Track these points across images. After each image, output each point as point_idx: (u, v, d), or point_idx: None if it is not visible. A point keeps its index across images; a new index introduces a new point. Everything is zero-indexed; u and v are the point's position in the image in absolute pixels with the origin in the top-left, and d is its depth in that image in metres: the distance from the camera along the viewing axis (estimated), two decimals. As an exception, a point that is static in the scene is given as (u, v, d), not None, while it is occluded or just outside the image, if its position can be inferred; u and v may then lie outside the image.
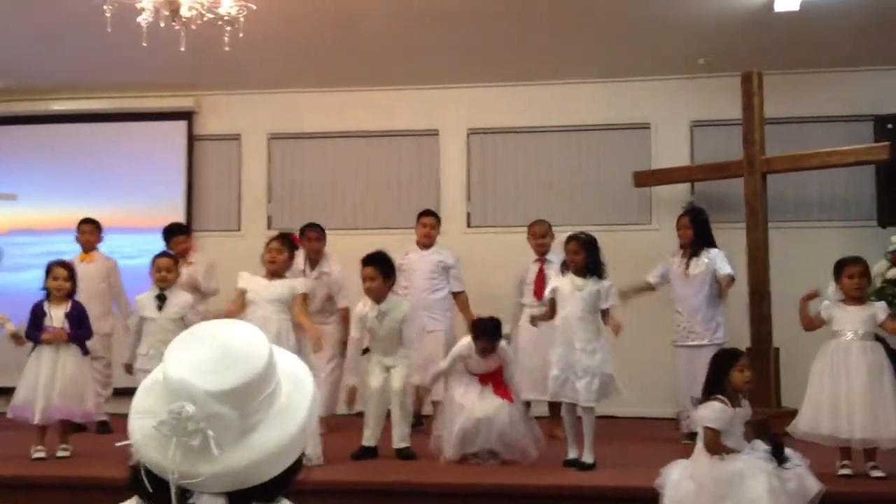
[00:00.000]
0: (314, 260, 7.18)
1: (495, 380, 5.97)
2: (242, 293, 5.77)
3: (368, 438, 5.97)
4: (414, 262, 7.12)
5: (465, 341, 5.99)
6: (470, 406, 5.79)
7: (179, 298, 6.06)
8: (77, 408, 6.00)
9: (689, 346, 6.61)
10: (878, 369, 5.17)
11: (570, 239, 5.74)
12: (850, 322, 5.27)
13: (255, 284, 5.80)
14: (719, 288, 6.63)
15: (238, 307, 5.67)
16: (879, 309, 5.30)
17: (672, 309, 6.86)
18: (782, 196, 7.69)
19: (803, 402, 5.36)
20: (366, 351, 6.15)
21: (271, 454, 1.35)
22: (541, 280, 6.79)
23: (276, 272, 5.82)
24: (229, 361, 1.34)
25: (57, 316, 6.05)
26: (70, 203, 8.46)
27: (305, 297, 5.92)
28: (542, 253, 6.95)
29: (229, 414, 1.31)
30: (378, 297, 5.97)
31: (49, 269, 6.18)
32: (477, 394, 5.88)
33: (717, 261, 6.62)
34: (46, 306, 6.08)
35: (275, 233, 6.45)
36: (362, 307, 6.02)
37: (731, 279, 6.58)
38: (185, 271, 6.90)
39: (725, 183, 7.64)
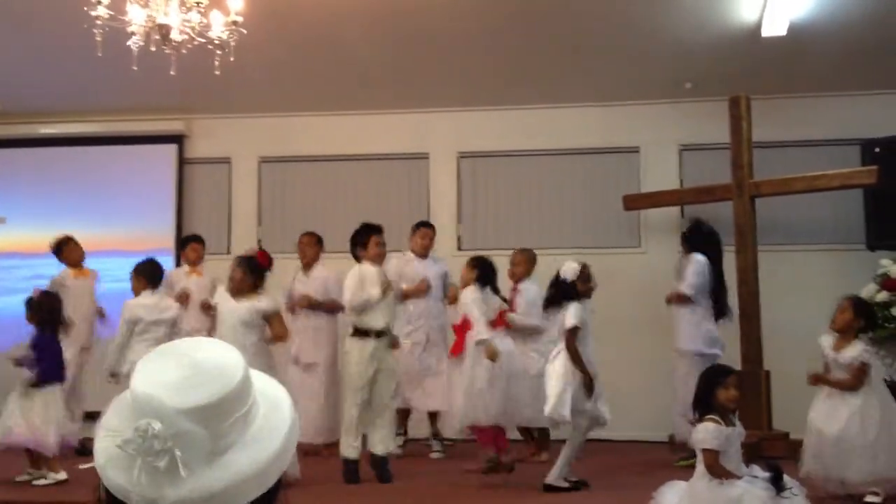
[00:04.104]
0: (308, 264, 7.28)
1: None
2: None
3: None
4: (418, 270, 7.28)
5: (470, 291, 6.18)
6: None
7: (168, 302, 6.25)
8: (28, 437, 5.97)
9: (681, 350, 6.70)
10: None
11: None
12: None
13: (225, 304, 5.86)
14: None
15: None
16: None
17: (659, 332, 6.87)
18: (771, 219, 7.72)
19: None
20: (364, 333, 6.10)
21: (244, 478, 1.25)
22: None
23: (235, 291, 5.85)
24: (200, 378, 1.25)
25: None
26: (59, 226, 8.39)
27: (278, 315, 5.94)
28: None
29: (199, 433, 1.22)
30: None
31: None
32: None
33: (688, 268, 6.77)
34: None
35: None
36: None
37: (681, 296, 6.74)
38: (195, 280, 7.20)
39: (714, 206, 7.67)
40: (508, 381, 5.97)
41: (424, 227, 7.49)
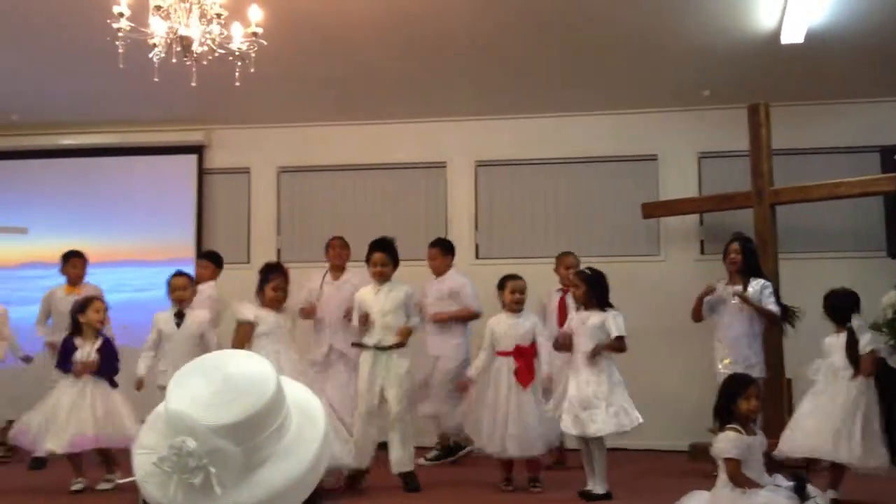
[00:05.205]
0: (338, 267, 7.29)
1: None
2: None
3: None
4: (426, 290, 7.29)
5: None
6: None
7: (197, 317, 6.17)
8: (118, 437, 5.99)
9: (723, 372, 6.48)
10: None
11: (576, 273, 5.95)
12: None
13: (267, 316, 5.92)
14: (765, 322, 6.53)
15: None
16: None
17: (682, 340, 6.83)
18: (791, 227, 7.69)
19: None
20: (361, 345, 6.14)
21: (279, 492, 1.26)
22: (562, 308, 6.94)
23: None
24: (232, 394, 1.26)
25: (87, 351, 6.11)
26: (80, 237, 8.49)
27: (245, 326, 5.94)
28: (568, 285, 6.89)
29: (232, 450, 1.23)
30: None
31: (88, 304, 6.23)
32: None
33: (765, 296, 6.45)
34: (78, 341, 6.14)
35: (284, 265, 6.47)
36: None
37: (775, 318, 6.47)
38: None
39: (733, 214, 7.64)
40: None
41: (429, 248, 7.56)
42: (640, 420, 5.70)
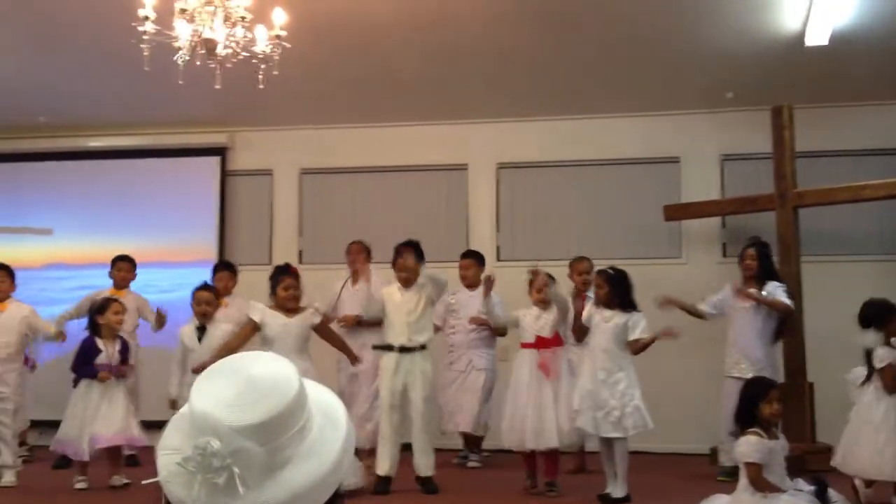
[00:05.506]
0: (357, 272, 7.23)
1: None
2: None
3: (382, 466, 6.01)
4: (462, 301, 7.26)
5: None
6: None
7: (220, 331, 6.15)
8: (124, 436, 6.07)
9: (736, 377, 6.42)
10: None
11: (598, 273, 5.93)
12: None
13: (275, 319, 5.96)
14: (778, 323, 6.59)
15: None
16: None
17: (703, 341, 6.81)
18: (815, 230, 7.64)
19: None
20: (385, 347, 6.15)
21: (301, 493, 1.27)
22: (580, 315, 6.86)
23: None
24: (256, 395, 1.27)
25: (111, 352, 6.17)
26: (104, 238, 8.59)
27: (247, 327, 5.99)
28: (583, 290, 6.90)
29: (255, 450, 1.24)
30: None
31: (107, 306, 6.29)
32: None
33: (777, 293, 6.53)
34: (100, 343, 6.19)
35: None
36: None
37: (788, 308, 6.53)
38: (222, 312, 6.70)
39: (756, 216, 7.60)
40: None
41: (461, 258, 7.52)
42: (651, 425, 5.68)
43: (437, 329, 6.83)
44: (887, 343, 5.27)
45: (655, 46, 7.22)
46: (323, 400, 1.40)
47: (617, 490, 5.56)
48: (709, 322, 6.81)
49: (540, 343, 6.00)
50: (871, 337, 5.35)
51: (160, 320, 7.10)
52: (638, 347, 5.73)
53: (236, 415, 1.25)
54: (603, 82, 7.87)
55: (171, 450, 1.30)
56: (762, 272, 6.58)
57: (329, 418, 1.37)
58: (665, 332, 5.73)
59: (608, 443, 5.68)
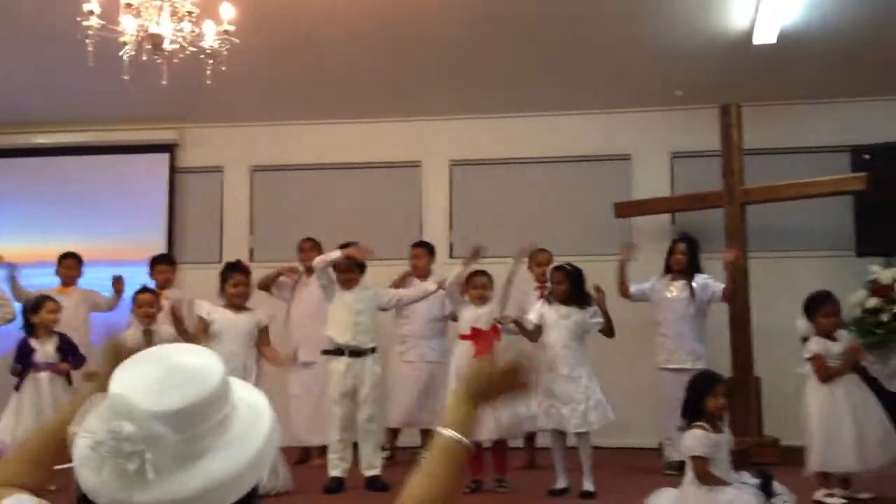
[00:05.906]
0: (310, 269, 7.13)
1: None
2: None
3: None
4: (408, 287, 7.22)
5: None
6: None
7: (165, 333, 6.08)
8: None
9: (672, 369, 6.52)
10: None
11: (556, 269, 5.94)
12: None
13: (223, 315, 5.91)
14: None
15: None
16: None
17: (652, 336, 6.88)
18: (762, 226, 7.74)
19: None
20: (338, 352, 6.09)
21: (216, 485, 1.24)
22: None
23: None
24: (175, 381, 1.25)
25: (47, 351, 6.06)
26: (51, 236, 8.42)
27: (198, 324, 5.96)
28: (543, 281, 6.88)
29: (171, 437, 1.21)
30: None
31: (41, 304, 6.18)
32: None
33: (710, 284, 6.66)
34: (34, 342, 6.08)
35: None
36: None
37: (730, 291, 6.70)
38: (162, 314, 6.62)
39: (705, 213, 7.69)
40: None
41: (413, 248, 7.49)
42: (613, 417, 5.77)
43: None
44: (819, 333, 5.38)
45: (606, 45, 7.27)
46: (249, 397, 1.38)
47: (588, 484, 5.62)
48: (647, 316, 6.89)
49: (475, 332, 6.04)
50: (802, 325, 5.46)
51: (118, 286, 7.22)
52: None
53: (153, 400, 1.22)
54: (555, 80, 7.90)
55: (87, 432, 1.26)
56: (690, 267, 6.71)
57: (254, 415, 1.35)
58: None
59: (561, 438, 5.71)
